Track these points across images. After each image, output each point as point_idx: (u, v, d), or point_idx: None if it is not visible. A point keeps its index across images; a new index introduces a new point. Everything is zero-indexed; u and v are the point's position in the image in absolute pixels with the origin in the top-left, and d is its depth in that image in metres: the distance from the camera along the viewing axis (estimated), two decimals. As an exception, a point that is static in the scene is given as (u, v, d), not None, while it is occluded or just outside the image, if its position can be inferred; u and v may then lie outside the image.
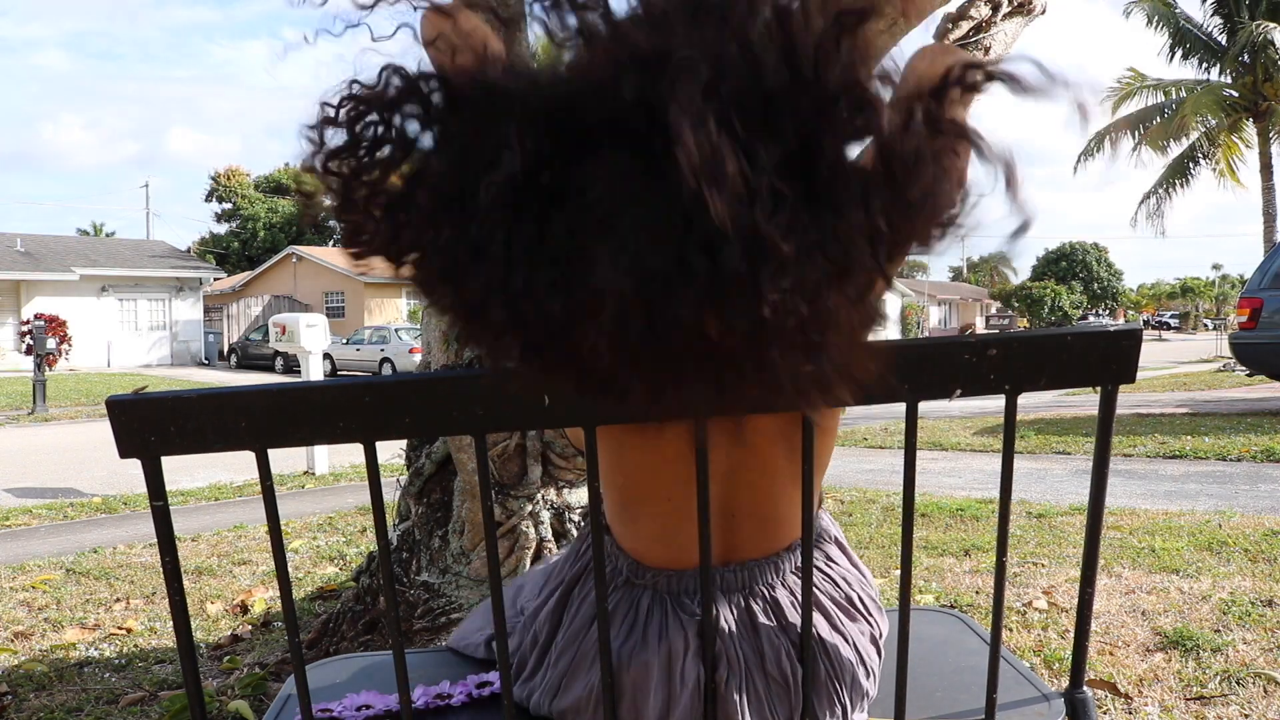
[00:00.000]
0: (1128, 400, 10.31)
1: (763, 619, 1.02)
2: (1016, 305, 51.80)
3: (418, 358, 4.28)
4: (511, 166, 0.66)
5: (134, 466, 0.89)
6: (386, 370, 22.83)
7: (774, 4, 0.65)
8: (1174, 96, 23.91)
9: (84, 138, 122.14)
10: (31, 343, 14.04)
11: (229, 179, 48.85)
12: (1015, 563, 3.58)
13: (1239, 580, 3.21)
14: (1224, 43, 23.01)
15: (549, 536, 2.37)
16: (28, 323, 23.38)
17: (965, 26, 2.52)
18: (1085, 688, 1.13)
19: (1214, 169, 23.63)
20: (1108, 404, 0.98)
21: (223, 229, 48.40)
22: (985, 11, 2.52)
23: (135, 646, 2.98)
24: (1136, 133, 24.15)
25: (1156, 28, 23.34)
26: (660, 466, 0.99)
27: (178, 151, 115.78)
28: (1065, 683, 1.15)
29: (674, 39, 0.63)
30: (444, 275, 0.71)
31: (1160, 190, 24.57)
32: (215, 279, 32.12)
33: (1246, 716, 2.17)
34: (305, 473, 7.00)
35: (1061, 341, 0.94)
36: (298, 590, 3.56)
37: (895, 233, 0.67)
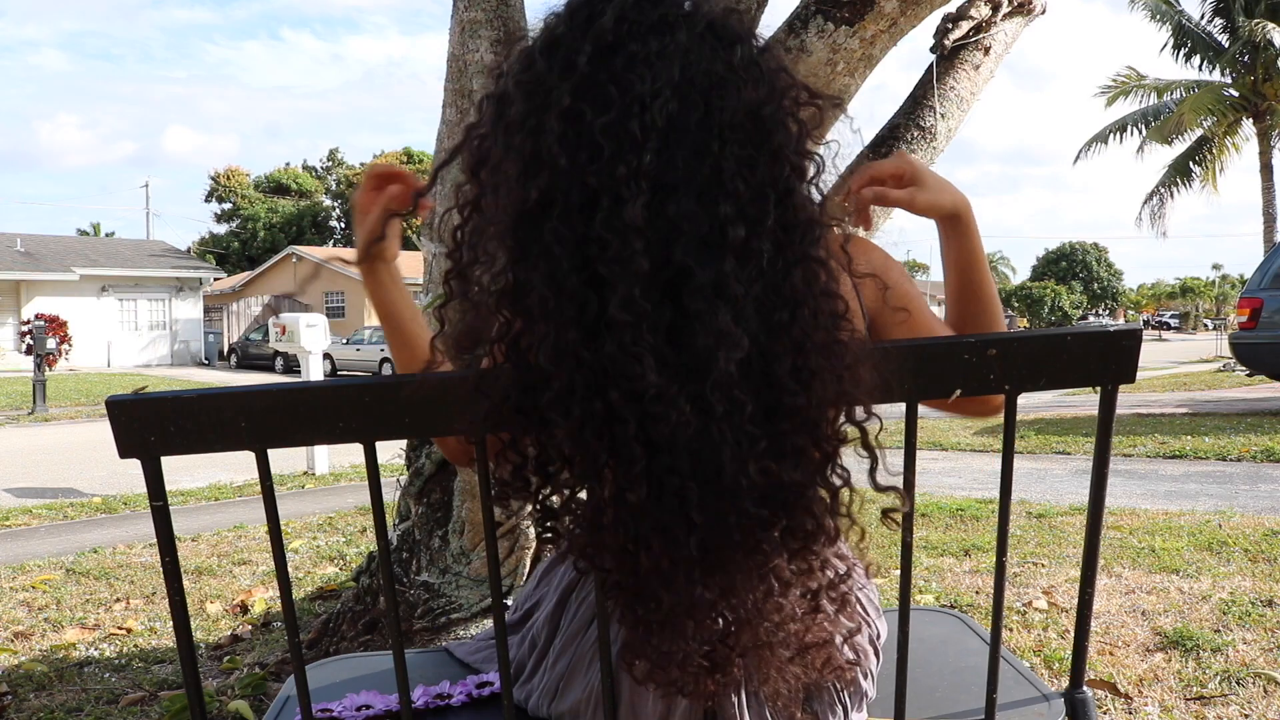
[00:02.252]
0: (1128, 400, 10.31)
1: (762, 619, 1.01)
2: (1016, 305, 51.79)
3: (418, 358, 4.19)
4: None
5: (134, 466, 0.89)
6: (386, 370, 22.83)
7: None
8: (1170, 97, 23.89)
9: (80, 137, 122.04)
10: (31, 343, 14.04)
11: (229, 179, 48.86)
12: (1015, 563, 3.57)
13: (1239, 580, 3.21)
14: (1224, 43, 22.99)
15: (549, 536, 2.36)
16: (28, 323, 23.39)
17: (965, 26, 2.52)
18: (1085, 688, 1.13)
19: (1205, 172, 23.61)
20: (1108, 404, 0.98)
21: (223, 229, 48.42)
22: (985, 11, 2.52)
23: (135, 646, 2.98)
24: (1139, 130, 24.13)
25: (1160, 25, 23.31)
26: None
27: (175, 151, 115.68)
28: (1065, 683, 1.15)
29: None
30: None
31: (1163, 189, 24.55)
32: (215, 279, 32.12)
33: (1246, 716, 2.17)
34: (305, 473, 7.00)
35: (1061, 341, 0.94)
36: (298, 590, 3.56)
37: None
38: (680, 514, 0.80)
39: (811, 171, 0.85)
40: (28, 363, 20.78)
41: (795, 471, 0.82)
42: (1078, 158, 25.14)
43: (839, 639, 0.94)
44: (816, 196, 0.86)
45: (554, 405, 0.79)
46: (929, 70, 2.53)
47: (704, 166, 0.79)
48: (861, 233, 1.12)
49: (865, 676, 1.05)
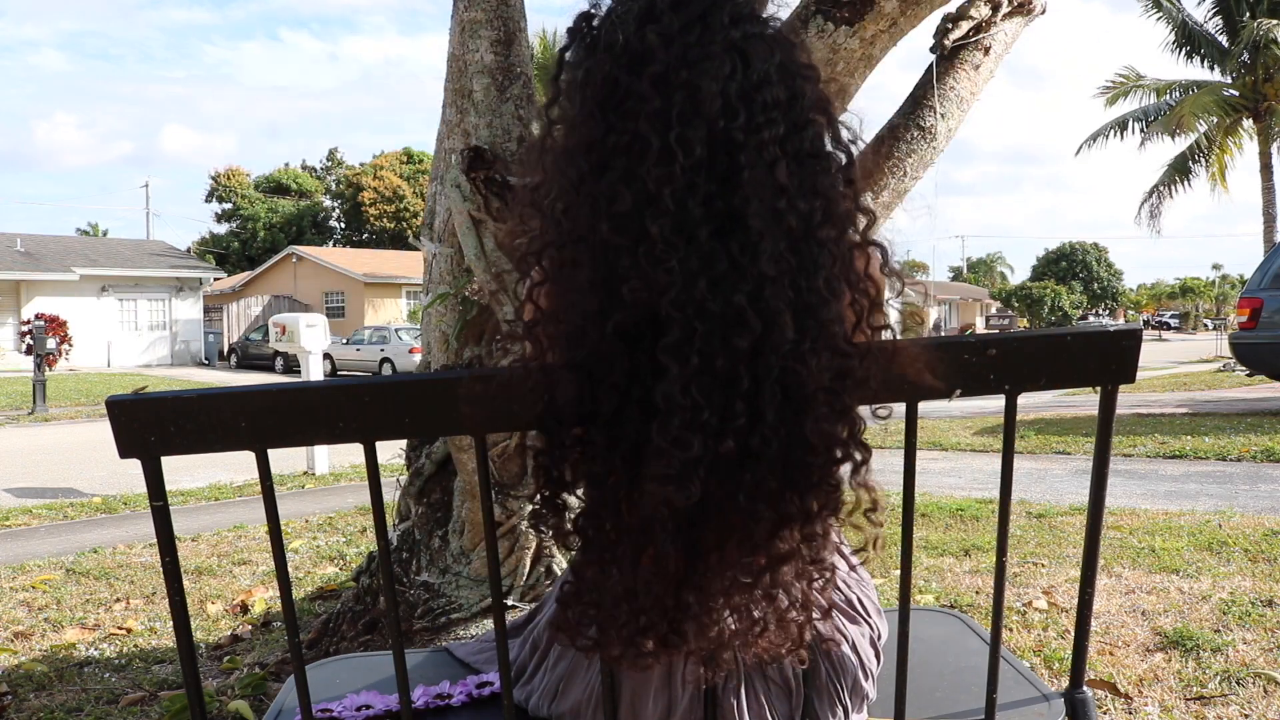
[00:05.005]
0: (1128, 400, 10.30)
1: (763, 620, 1.01)
2: (1016, 305, 51.79)
3: (418, 358, 4.27)
4: None
5: (134, 466, 0.89)
6: (386, 370, 22.84)
7: None
8: (1169, 98, 23.87)
9: (77, 137, 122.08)
10: (31, 343, 14.04)
11: (229, 179, 48.85)
12: (1015, 563, 3.57)
13: (1239, 580, 3.21)
14: (1225, 43, 22.97)
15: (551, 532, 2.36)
16: (28, 323, 23.38)
17: (965, 26, 2.52)
18: (1085, 688, 1.13)
19: (1208, 172, 23.58)
20: (1108, 404, 0.98)
21: (223, 229, 48.42)
22: (985, 11, 2.52)
23: (135, 646, 2.98)
24: (1138, 129, 24.12)
25: (1160, 23, 23.30)
26: None
27: (173, 151, 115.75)
28: (1065, 683, 1.15)
29: None
30: None
31: (1162, 188, 24.52)
32: (215, 279, 32.12)
33: (1246, 716, 2.17)
34: (305, 473, 7.00)
35: (1061, 341, 0.94)
36: (298, 590, 3.56)
37: None
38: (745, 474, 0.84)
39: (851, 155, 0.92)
40: (28, 363, 20.77)
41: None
42: (1079, 150, 25.16)
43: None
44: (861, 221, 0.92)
45: (669, 350, 0.81)
46: (929, 70, 2.53)
47: (811, 145, 0.88)
48: None
49: (866, 677, 1.05)
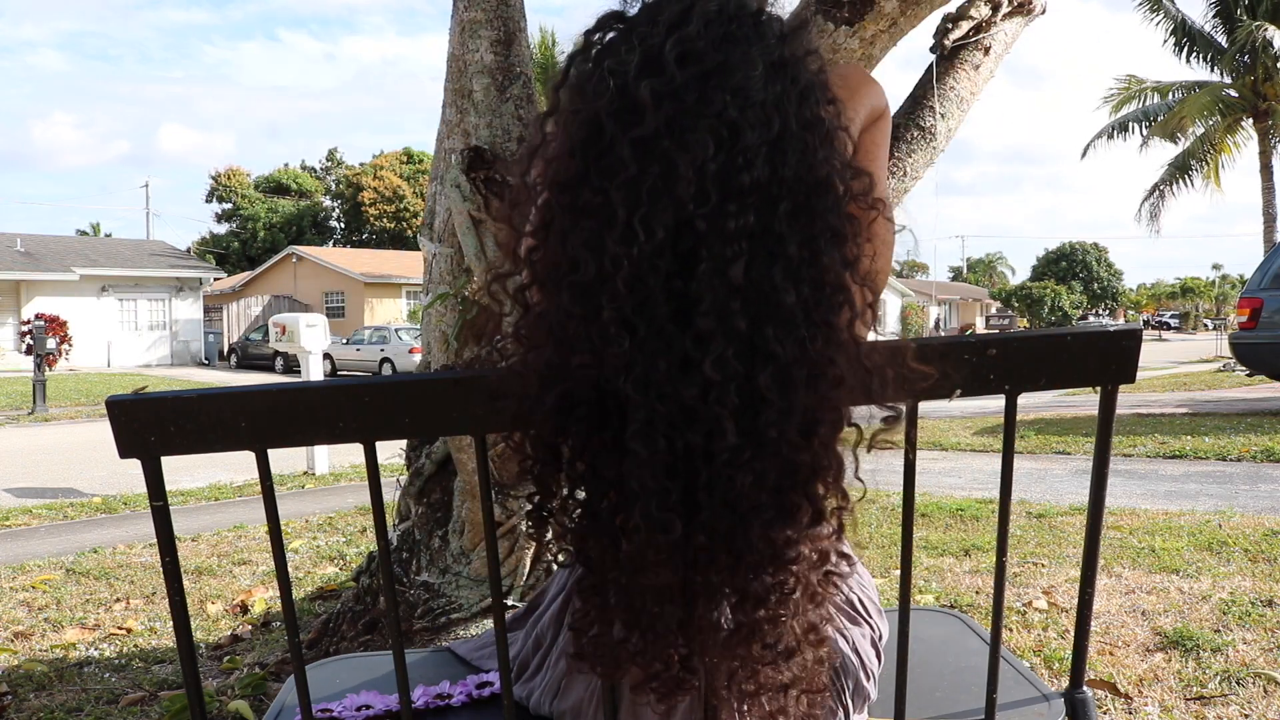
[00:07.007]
0: (1128, 400, 10.30)
1: (763, 620, 1.01)
2: (1016, 305, 51.80)
3: (417, 358, 4.27)
4: None
5: (134, 466, 0.89)
6: (386, 370, 22.84)
7: None
8: (1170, 98, 23.88)
9: (76, 137, 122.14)
10: (31, 343, 14.04)
11: (229, 179, 48.85)
12: (1015, 563, 3.57)
13: (1239, 580, 3.21)
14: (1223, 43, 22.97)
15: (549, 536, 2.37)
16: (28, 323, 23.37)
17: (965, 26, 2.52)
18: (1085, 688, 1.13)
19: (1203, 171, 23.57)
20: (1108, 404, 0.98)
21: (223, 229, 48.42)
22: (985, 11, 2.52)
23: (135, 646, 2.98)
24: (1140, 130, 24.12)
25: (1159, 24, 23.30)
26: None
27: (172, 151, 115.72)
28: (1065, 683, 1.15)
29: None
30: None
31: (1163, 186, 24.51)
32: (215, 279, 32.12)
33: (1246, 716, 2.17)
34: (305, 473, 7.00)
35: (1061, 342, 0.94)
36: (298, 590, 3.55)
37: None
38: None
39: (846, 233, 0.84)
40: (28, 363, 20.76)
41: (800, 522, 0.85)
42: (1085, 153, 25.12)
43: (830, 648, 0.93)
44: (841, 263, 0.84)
45: (638, 436, 0.79)
46: (929, 70, 2.53)
47: (776, 228, 0.80)
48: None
49: (867, 678, 1.05)
